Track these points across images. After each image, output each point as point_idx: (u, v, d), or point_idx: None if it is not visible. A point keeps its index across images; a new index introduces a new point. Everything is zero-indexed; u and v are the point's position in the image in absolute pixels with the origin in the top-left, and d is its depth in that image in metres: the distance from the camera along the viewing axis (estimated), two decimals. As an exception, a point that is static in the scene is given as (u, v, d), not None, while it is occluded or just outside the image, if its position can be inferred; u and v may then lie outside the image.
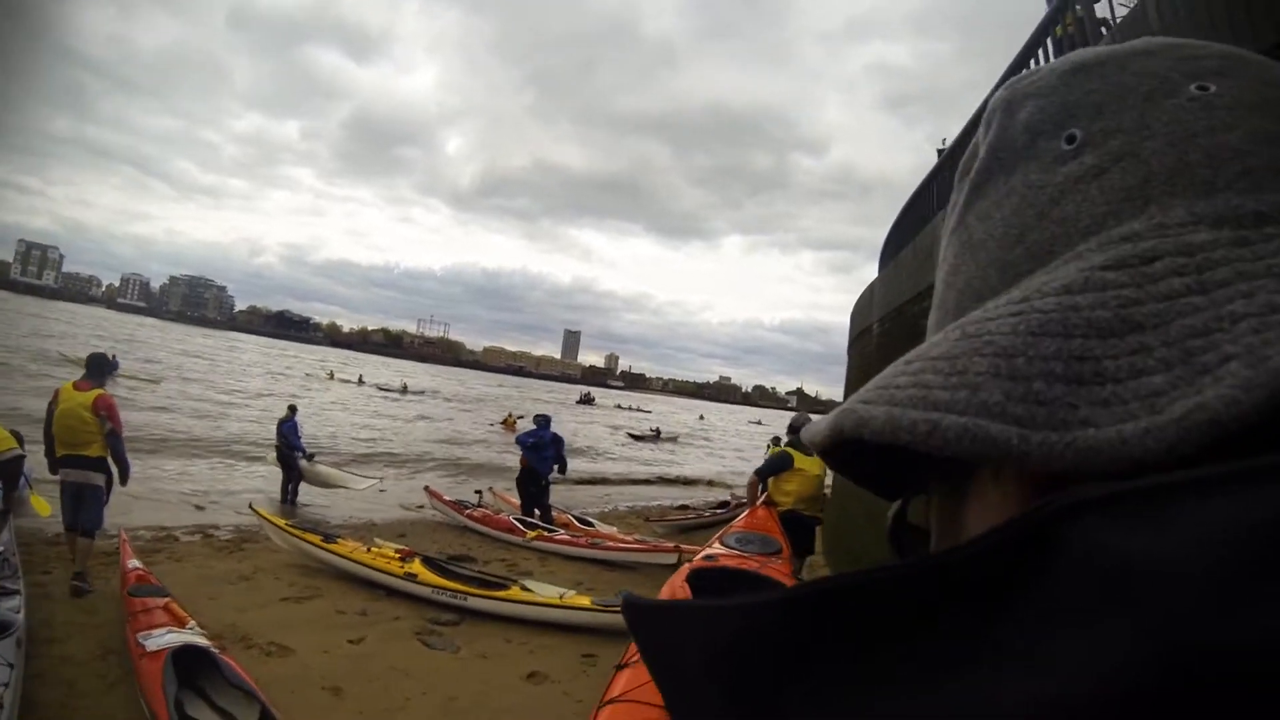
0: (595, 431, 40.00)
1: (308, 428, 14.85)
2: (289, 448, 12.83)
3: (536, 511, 11.27)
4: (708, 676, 0.24)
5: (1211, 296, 0.22)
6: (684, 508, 15.98)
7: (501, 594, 6.94)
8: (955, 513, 0.30)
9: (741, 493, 15.06)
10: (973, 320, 0.27)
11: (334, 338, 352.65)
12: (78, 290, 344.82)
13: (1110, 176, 0.28)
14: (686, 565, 5.41)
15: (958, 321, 0.28)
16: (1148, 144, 0.28)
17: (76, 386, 6.29)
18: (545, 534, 10.11)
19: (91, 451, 6.25)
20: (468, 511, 11.15)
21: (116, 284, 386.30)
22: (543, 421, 11.89)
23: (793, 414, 9.83)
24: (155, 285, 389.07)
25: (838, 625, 0.21)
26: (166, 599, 5.32)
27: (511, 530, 10.38)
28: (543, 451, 11.43)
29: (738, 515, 7.66)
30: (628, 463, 26.74)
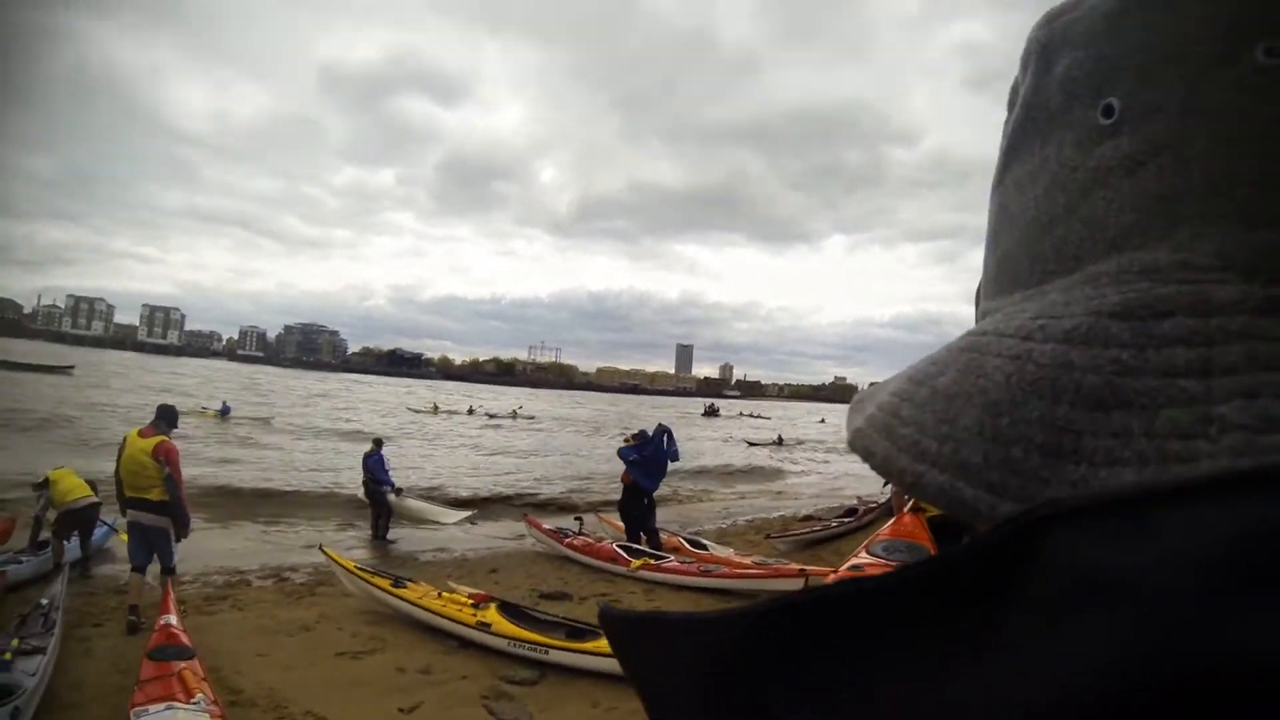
0: (708, 446, 37.43)
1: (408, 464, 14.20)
2: (375, 482, 12.36)
3: (643, 536, 10.23)
4: (694, 689, 0.24)
5: (1210, 385, 0.20)
6: (809, 519, 14.54)
7: (590, 645, 5.83)
8: None
9: (870, 496, 13.77)
10: (982, 346, 0.26)
11: (446, 371, 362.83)
12: (200, 346, 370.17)
13: (1145, 175, 0.25)
14: (833, 575, 5.07)
15: (972, 332, 0.28)
16: (1193, 138, 0.24)
17: (141, 433, 6.68)
18: (651, 562, 8.97)
19: (153, 495, 6.54)
20: (567, 540, 10.19)
21: (235, 336, 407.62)
22: (641, 437, 10.99)
23: None
24: (271, 335, 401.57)
25: (821, 634, 0.21)
26: (187, 663, 4.86)
27: (614, 559, 9.32)
28: (647, 467, 10.49)
29: (868, 523, 7.82)
30: (746, 478, 25.13)
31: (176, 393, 44.36)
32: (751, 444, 38.31)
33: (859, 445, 0.29)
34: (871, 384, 0.35)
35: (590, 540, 10.06)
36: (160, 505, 6.57)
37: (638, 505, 10.53)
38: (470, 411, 56.83)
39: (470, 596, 6.68)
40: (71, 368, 62.87)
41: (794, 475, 25.92)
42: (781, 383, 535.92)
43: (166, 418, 6.95)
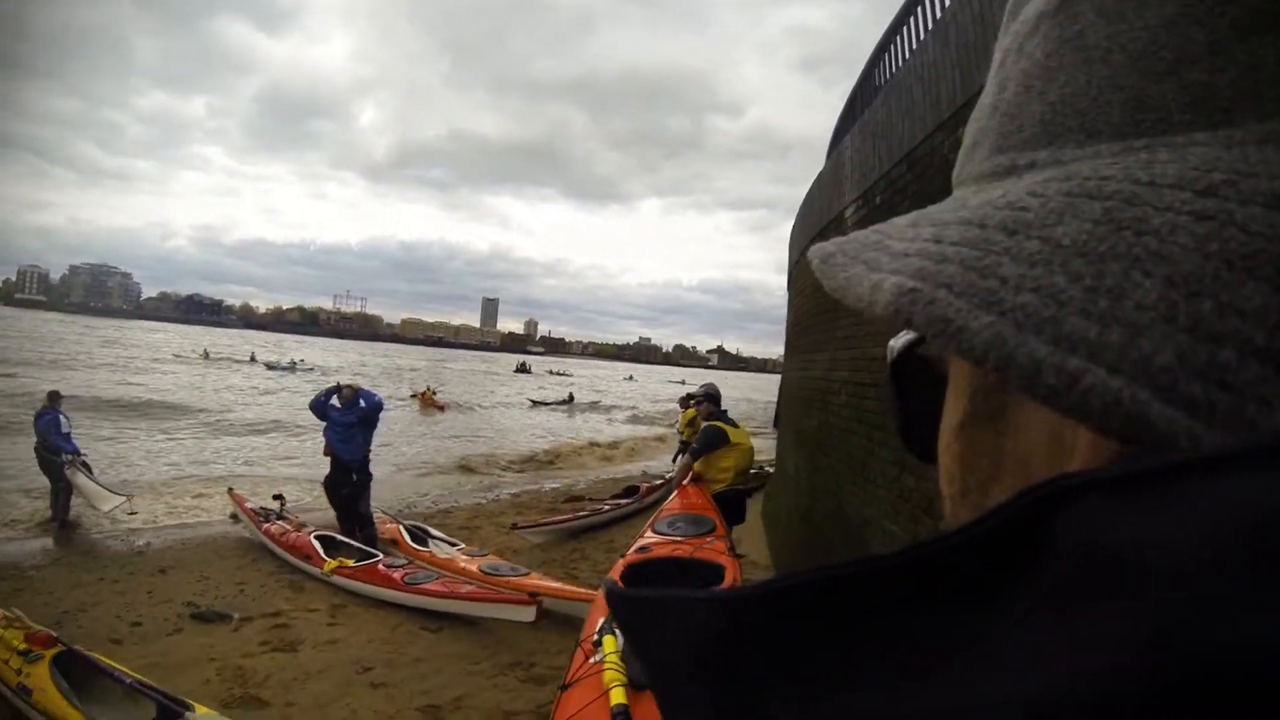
0: (498, 402, 35.86)
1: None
2: (48, 449, 9.73)
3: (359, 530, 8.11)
4: (692, 668, 0.23)
5: None
6: (577, 499, 11.60)
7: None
8: (998, 394, 0.25)
9: (656, 473, 12.28)
10: (1121, 193, 0.20)
11: (248, 319, 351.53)
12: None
13: None
14: (621, 561, 4.85)
15: (1073, 173, 0.22)
16: None
17: None
18: (349, 565, 6.77)
19: None
20: (265, 526, 8.05)
21: (13, 278, 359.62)
22: (327, 394, 8.56)
23: (708, 382, 7.76)
24: (56, 276, 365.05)
25: (822, 617, 0.19)
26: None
27: (309, 557, 7.15)
28: (349, 430, 8.22)
29: (650, 504, 6.75)
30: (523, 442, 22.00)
31: None
32: (536, 403, 34.81)
33: (925, 314, 0.21)
34: (868, 229, 0.26)
35: (288, 528, 7.87)
36: None
37: (343, 482, 8.22)
38: (252, 359, 53.87)
39: (27, 639, 4.38)
40: None
41: (580, 442, 22.27)
42: (586, 340, 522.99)
43: None
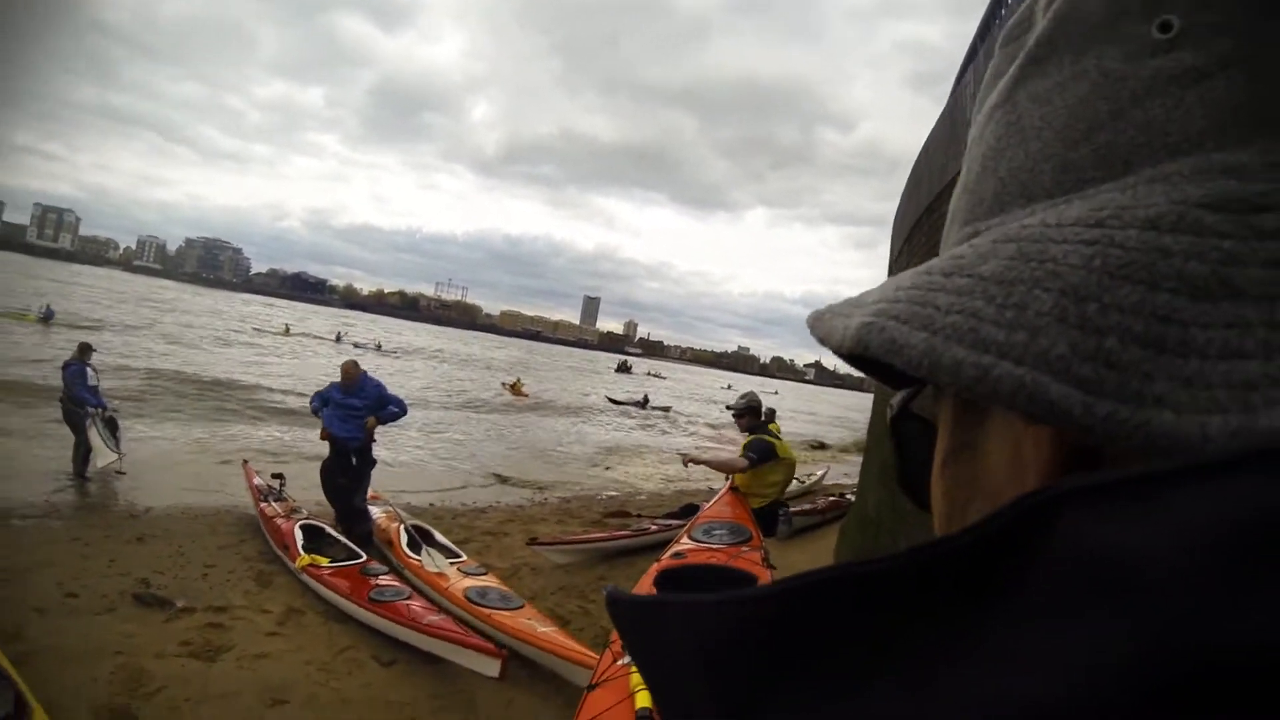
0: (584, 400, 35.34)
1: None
2: (73, 400, 9.44)
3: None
4: (697, 673, 0.24)
5: None
6: (622, 515, 9.95)
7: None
8: (972, 427, 0.28)
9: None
10: (1031, 235, 0.24)
11: (349, 299, 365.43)
12: (94, 253, 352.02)
13: (1214, 85, 0.23)
14: (655, 565, 4.56)
15: (1006, 228, 0.26)
16: (1267, 52, 0.23)
17: None
18: (320, 564, 5.88)
19: None
20: (261, 505, 7.36)
21: (133, 246, 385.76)
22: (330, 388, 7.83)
23: (748, 392, 7.37)
24: (172, 247, 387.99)
25: (822, 620, 0.20)
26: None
27: (287, 546, 6.37)
28: (352, 411, 7.47)
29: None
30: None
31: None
32: (614, 401, 34.36)
33: (879, 339, 0.25)
34: (832, 304, 0.32)
35: (279, 511, 7.11)
36: None
37: (340, 468, 7.49)
38: (338, 339, 53.94)
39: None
40: None
41: (648, 447, 21.02)
42: (685, 345, 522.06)
43: None
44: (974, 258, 0.25)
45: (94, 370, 9.95)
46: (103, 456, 8.77)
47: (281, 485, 7.88)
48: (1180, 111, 0.24)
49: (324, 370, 28.67)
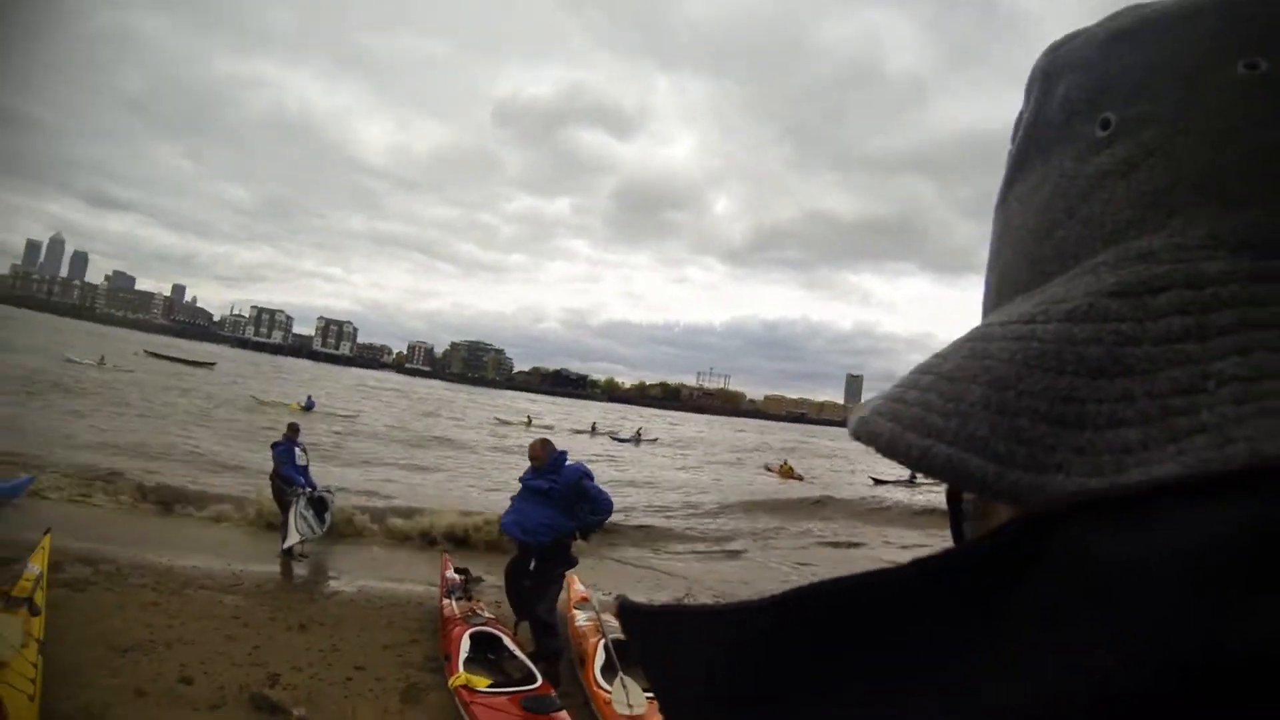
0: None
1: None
2: (281, 479, 9.90)
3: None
4: (705, 680, 0.25)
5: (1207, 346, 0.22)
6: None
7: None
8: (988, 504, 0.33)
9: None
10: (982, 334, 0.29)
11: (611, 393, 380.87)
12: (370, 357, 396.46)
13: (1138, 176, 0.28)
14: None
15: (974, 329, 0.31)
16: (1181, 140, 0.28)
17: None
18: (476, 686, 4.88)
19: None
20: (445, 602, 6.68)
21: (405, 351, 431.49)
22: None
23: None
24: (439, 351, 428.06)
25: (831, 627, 0.22)
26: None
27: (450, 657, 5.51)
28: (537, 500, 6.36)
29: None
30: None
31: (277, 384, 49.24)
32: (878, 481, 32.46)
33: (863, 431, 0.30)
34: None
35: (458, 613, 6.25)
36: None
37: (521, 571, 6.30)
38: (593, 430, 54.25)
39: None
40: (213, 364, 70.39)
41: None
42: None
43: None
44: (942, 354, 0.30)
45: (302, 450, 10.16)
46: (289, 537, 8.67)
47: (466, 581, 7.06)
48: (1113, 205, 0.28)
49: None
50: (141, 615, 6.05)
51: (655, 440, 51.89)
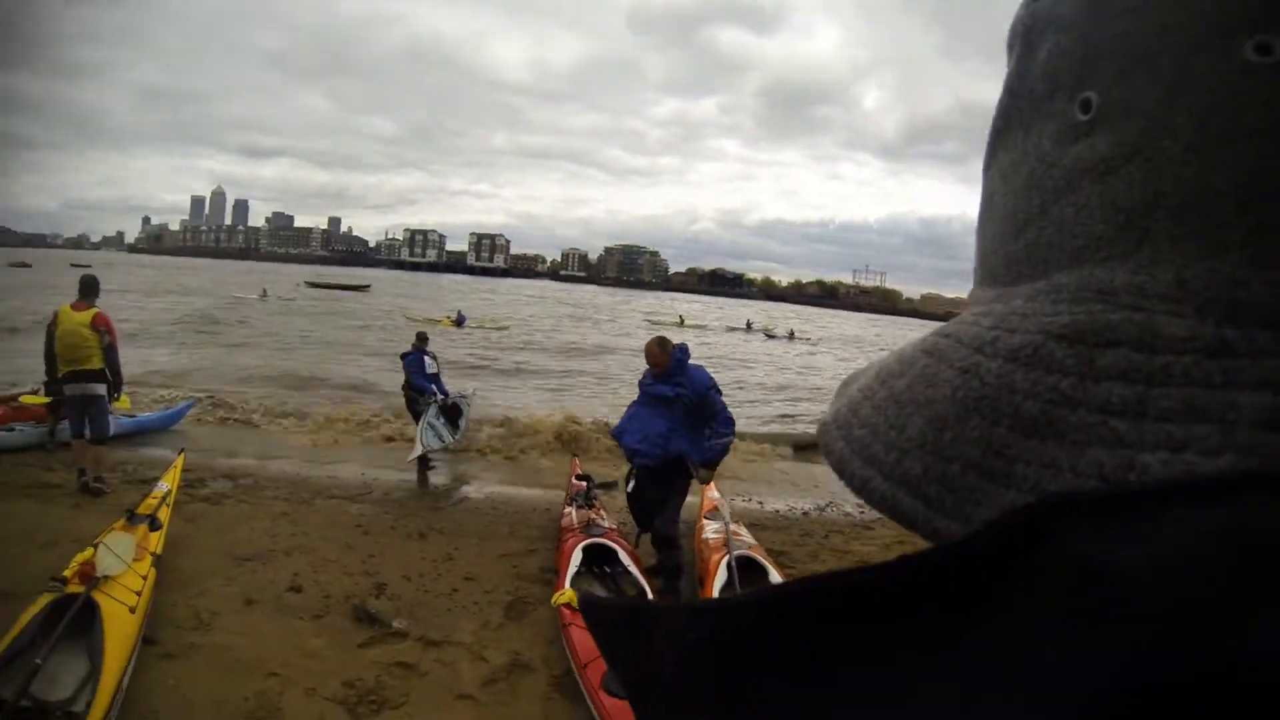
0: None
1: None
2: (412, 388, 9.90)
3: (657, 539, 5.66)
4: (674, 679, 0.25)
5: (1141, 430, 0.21)
6: None
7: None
8: None
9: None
10: (935, 348, 0.29)
11: (768, 291, 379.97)
12: (525, 268, 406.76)
13: (1115, 182, 0.25)
14: None
15: (942, 327, 0.30)
16: (1167, 143, 0.23)
17: (74, 307, 7.21)
18: (572, 608, 4.47)
19: (93, 364, 7.19)
20: (566, 509, 6.38)
21: (559, 259, 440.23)
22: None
23: None
24: (593, 257, 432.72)
25: (802, 630, 0.22)
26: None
27: (559, 571, 5.29)
28: (656, 409, 5.61)
29: None
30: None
31: (431, 301, 50.68)
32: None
33: (821, 440, 0.31)
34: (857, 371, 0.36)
35: (577, 522, 5.89)
36: (99, 374, 7.20)
37: (639, 487, 5.71)
38: (748, 326, 54.89)
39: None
40: (368, 286, 73.56)
41: None
42: None
43: (92, 289, 7.39)
44: (904, 365, 0.29)
45: (433, 358, 10.22)
46: (417, 449, 8.65)
47: (590, 488, 6.58)
48: (1085, 213, 0.25)
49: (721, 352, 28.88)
50: (269, 525, 6.25)
51: (808, 338, 51.13)
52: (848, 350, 45.78)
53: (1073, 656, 0.16)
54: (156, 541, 4.87)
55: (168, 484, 5.98)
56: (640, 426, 5.52)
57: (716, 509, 6.28)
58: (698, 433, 5.46)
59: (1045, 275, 0.27)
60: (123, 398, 9.25)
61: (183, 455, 6.95)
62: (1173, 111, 0.23)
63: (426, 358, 10.11)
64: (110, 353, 7.25)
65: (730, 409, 5.60)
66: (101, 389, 7.27)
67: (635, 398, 5.80)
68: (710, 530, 5.96)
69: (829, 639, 0.21)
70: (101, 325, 7.20)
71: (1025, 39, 0.29)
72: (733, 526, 5.84)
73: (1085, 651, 0.16)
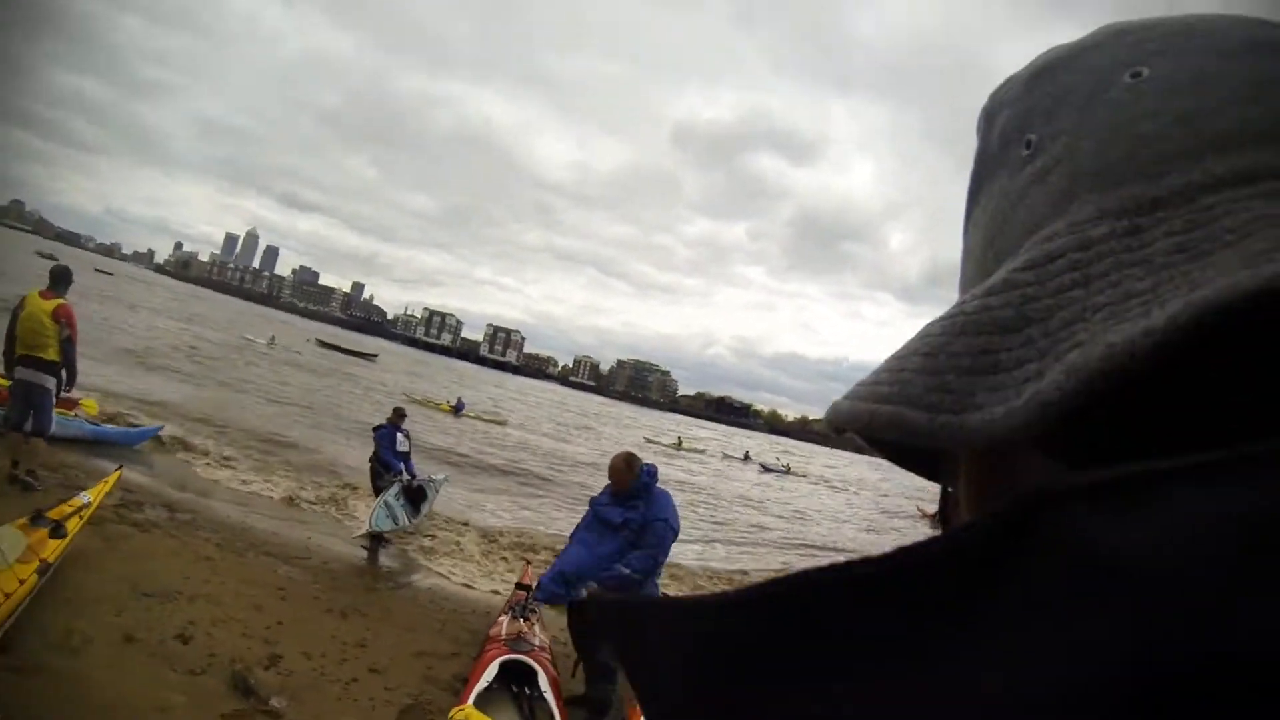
0: None
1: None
2: (380, 462, 9.79)
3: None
4: (681, 673, 0.26)
5: (1089, 289, 0.26)
6: None
7: None
8: (957, 486, 0.36)
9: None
10: (932, 321, 0.33)
11: (773, 425, 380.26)
12: (535, 368, 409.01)
13: (1051, 179, 0.33)
14: None
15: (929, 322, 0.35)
16: (1083, 144, 0.32)
17: (42, 295, 7.36)
18: None
19: (47, 354, 7.33)
20: (501, 618, 5.82)
21: (570, 364, 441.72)
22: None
23: None
24: (605, 368, 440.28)
25: (807, 622, 0.22)
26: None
27: (467, 680, 4.80)
28: (605, 534, 5.18)
29: None
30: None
31: (436, 384, 51.00)
32: (765, 468, 30.56)
33: (833, 414, 0.33)
34: None
35: (506, 634, 5.34)
36: (51, 365, 7.29)
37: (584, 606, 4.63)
38: (746, 457, 55.76)
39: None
40: (375, 356, 74.36)
41: None
42: None
43: (63, 280, 7.57)
44: (901, 347, 0.33)
45: (405, 435, 9.96)
46: (364, 527, 8.34)
47: (526, 600, 6.01)
48: (1033, 205, 0.33)
49: (705, 482, 28.62)
50: (187, 566, 5.92)
51: (803, 475, 50.55)
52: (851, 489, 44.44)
53: (1076, 642, 0.17)
54: (54, 550, 4.60)
55: (90, 497, 5.72)
56: (583, 550, 5.05)
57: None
58: (649, 551, 4.93)
59: (1001, 264, 0.33)
60: (89, 402, 9.66)
61: (119, 472, 6.70)
62: (1084, 126, 0.32)
63: (400, 434, 9.89)
64: (67, 346, 7.35)
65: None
66: (50, 382, 7.33)
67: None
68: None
69: (827, 631, 0.22)
70: (63, 317, 7.30)
71: (987, 119, 0.40)
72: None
73: (1088, 637, 0.16)
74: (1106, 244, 0.27)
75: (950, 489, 0.40)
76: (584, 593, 4.71)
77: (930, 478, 0.44)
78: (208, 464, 10.54)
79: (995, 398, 0.25)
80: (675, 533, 5.03)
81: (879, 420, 0.29)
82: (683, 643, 0.26)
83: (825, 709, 0.21)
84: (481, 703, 4.33)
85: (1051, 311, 0.26)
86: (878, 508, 33.88)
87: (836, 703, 0.21)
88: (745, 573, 12.44)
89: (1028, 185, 0.34)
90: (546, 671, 4.86)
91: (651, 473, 5.22)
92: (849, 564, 0.22)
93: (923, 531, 28.12)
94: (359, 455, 12.34)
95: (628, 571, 4.79)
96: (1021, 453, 0.28)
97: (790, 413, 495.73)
